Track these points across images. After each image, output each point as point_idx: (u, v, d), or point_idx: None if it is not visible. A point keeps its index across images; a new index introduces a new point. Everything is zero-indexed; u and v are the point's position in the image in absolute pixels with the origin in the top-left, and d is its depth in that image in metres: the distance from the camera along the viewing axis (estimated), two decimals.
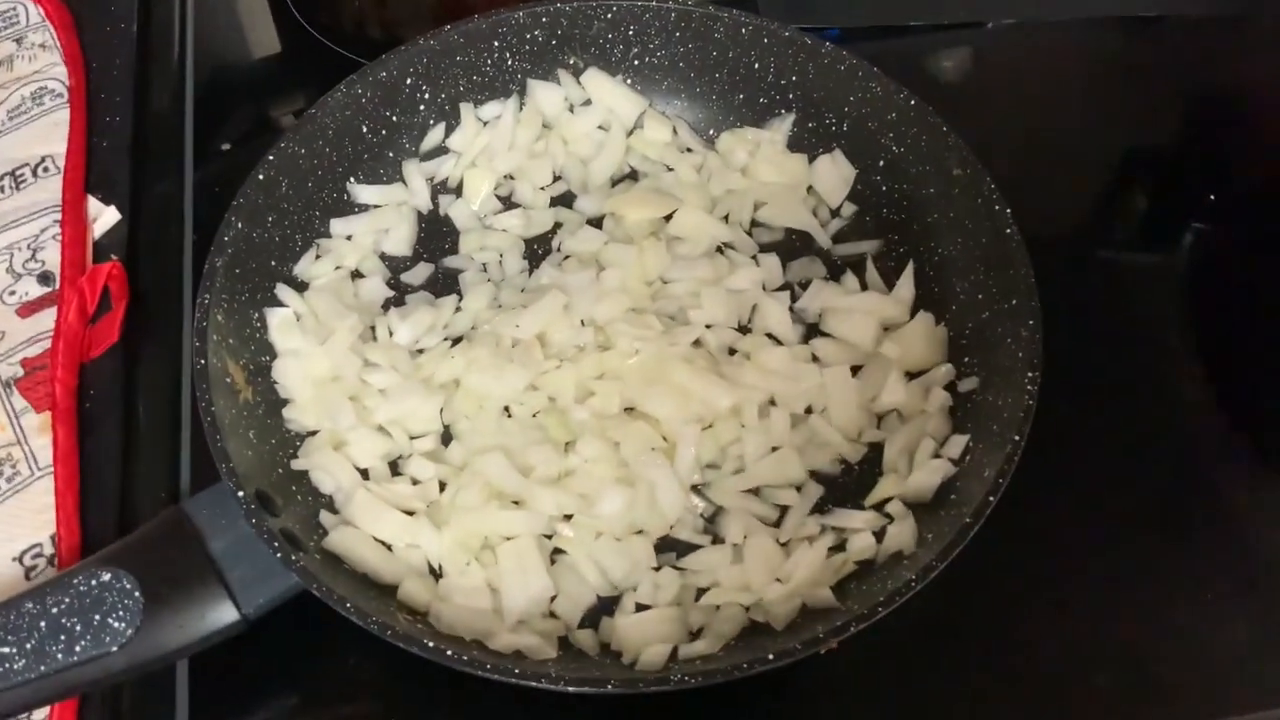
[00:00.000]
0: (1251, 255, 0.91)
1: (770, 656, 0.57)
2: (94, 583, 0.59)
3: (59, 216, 0.81)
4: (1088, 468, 0.74)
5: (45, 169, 0.84)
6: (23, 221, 0.81)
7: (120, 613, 0.58)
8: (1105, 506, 0.73)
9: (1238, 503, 0.76)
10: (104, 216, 0.82)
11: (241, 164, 0.86)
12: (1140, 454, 0.76)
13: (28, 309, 0.78)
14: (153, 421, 0.74)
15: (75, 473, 0.71)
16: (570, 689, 0.56)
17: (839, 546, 0.68)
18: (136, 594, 0.59)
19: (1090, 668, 0.68)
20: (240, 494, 0.61)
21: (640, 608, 0.66)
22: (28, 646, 0.57)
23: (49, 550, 0.69)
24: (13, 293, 0.78)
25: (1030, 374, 0.66)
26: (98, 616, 0.58)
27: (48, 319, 0.77)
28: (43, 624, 0.57)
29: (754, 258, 0.81)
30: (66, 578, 0.59)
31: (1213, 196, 0.92)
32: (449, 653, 0.57)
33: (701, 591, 0.67)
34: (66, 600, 0.58)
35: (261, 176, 0.72)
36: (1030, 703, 0.67)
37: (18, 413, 0.73)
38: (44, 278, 0.79)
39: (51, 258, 0.80)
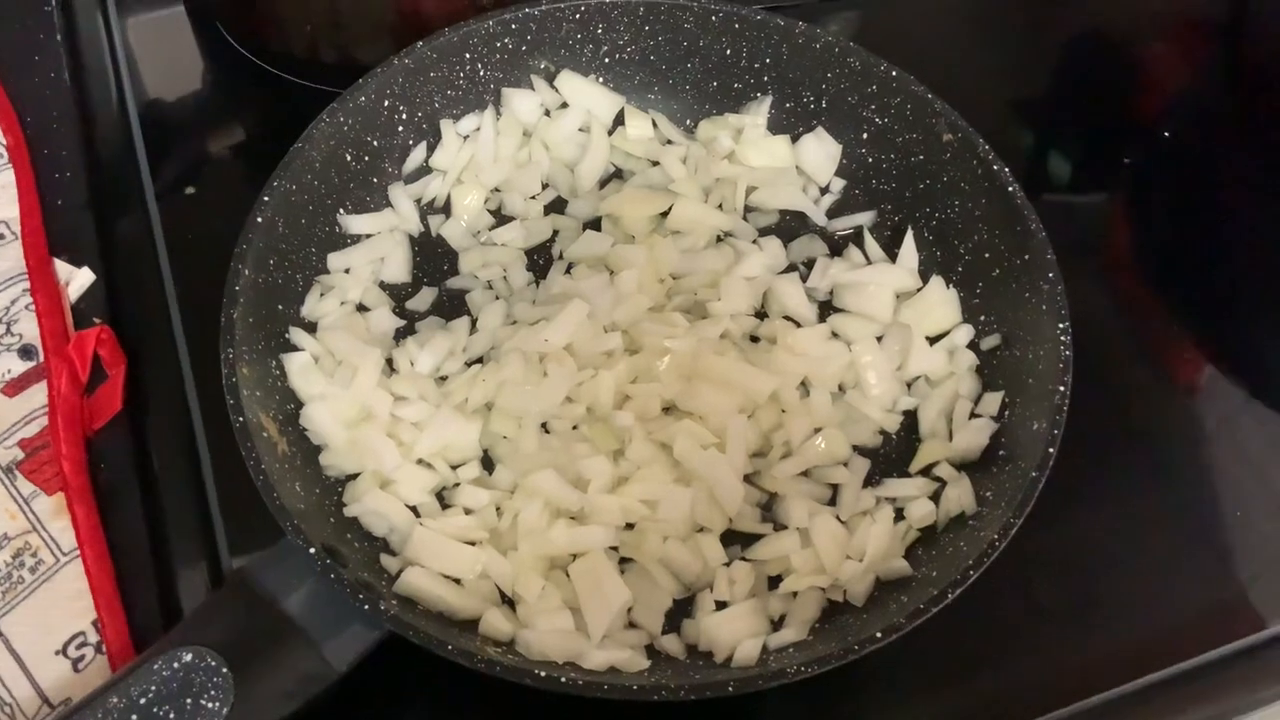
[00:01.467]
0: (1181, 180, 0.96)
1: (878, 635, 0.58)
2: (176, 665, 0.56)
3: (27, 285, 0.76)
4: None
5: (0, 236, 0.79)
6: None
7: (211, 692, 0.55)
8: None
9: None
10: (77, 279, 0.77)
11: (207, 204, 0.84)
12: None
13: (14, 387, 0.73)
14: (174, 487, 0.71)
15: (105, 552, 0.67)
16: (693, 697, 0.56)
17: (898, 516, 0.69)
18: (224, 670, 0.56)
19: None
20: (312, 550, 0.58)
21: (719, 605, 0.66)
22: None
23: (93, 637, 0.65)
24: None
25: (1060, 325, 0.69)
26: (189, 700, 0.55)
27: (38, 395, 0.72)
28: (134, 718, 0.54)
29: (756, 242, 0.81)
30: (145, 665, 0.56)
31: (1166, 134, 0.96)
32: (563, 680, 0.56)
33: (774, 580, 0.68)
34: (152, 689, 0.55)
35: (260, 219, 0.69)
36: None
37: (26, 498, 0.69)
38: (25, 351, 0.74)
39: (29, 329, 0.75)
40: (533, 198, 0.82)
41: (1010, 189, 0.73)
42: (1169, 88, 1.05)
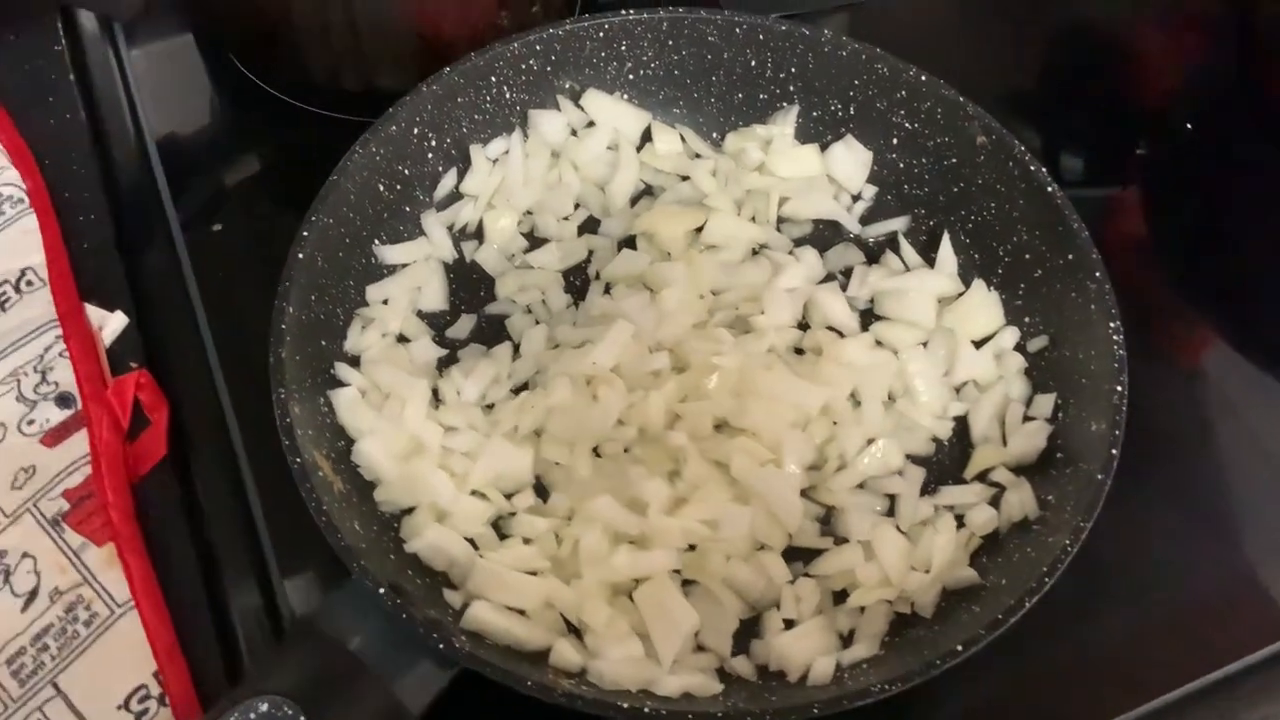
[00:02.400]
0: (1195, 169, 0.96)
1: (959, 648, 0.57)
2: (253, 716, 0.55)
3: (59, 332, 0.75)
4: None
5: (29, 283, 0.78)
6: (21, 344, 0.75)
7: None
8: None
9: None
10: (110, 323, 0.76)
11: (235, 241, 0.83)
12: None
13: (53, 437, 0.72)
14: (225, 531, 0.69)
15: (160, 601, 0.66)
16: None
17: (958, 523, 0.69)
18: (301, 717, 0.55)
19: None
20: (381, 591, 0.58)
21: (787, 623, 0.66)
22: None
23: (155, 690, 0.64)
24: (30, 421, 0.72)
25: (1111, 324, 0.68)
26: None
27: (80, 444, 0.71)
28: None
29: (792, 253, 0.80)
30: (223, 718, 0.55)
31: (1189, 125, 0.97)
32: (646, 710, 0.56)
33: (839, 595, 0.67)
34: None
35: (301, 255, 0.68)
36: None
37: (76, 550, 0.68)
38: (62, 400, 0.73)
39: (65, 377, 0.74)
40: (565, 219, 0.81)
41: (1050, 189, 0.73)
42: (1178, 73, 1.05)
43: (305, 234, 0.69)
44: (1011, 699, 0.67)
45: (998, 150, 0.76)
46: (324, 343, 0.71)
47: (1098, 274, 0.70)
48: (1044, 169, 0.74)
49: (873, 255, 0.81)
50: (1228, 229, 0.93)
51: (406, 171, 0.78)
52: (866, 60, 0.80)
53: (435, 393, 0.73)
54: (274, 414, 0.63)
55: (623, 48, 0.82)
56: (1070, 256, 0.72)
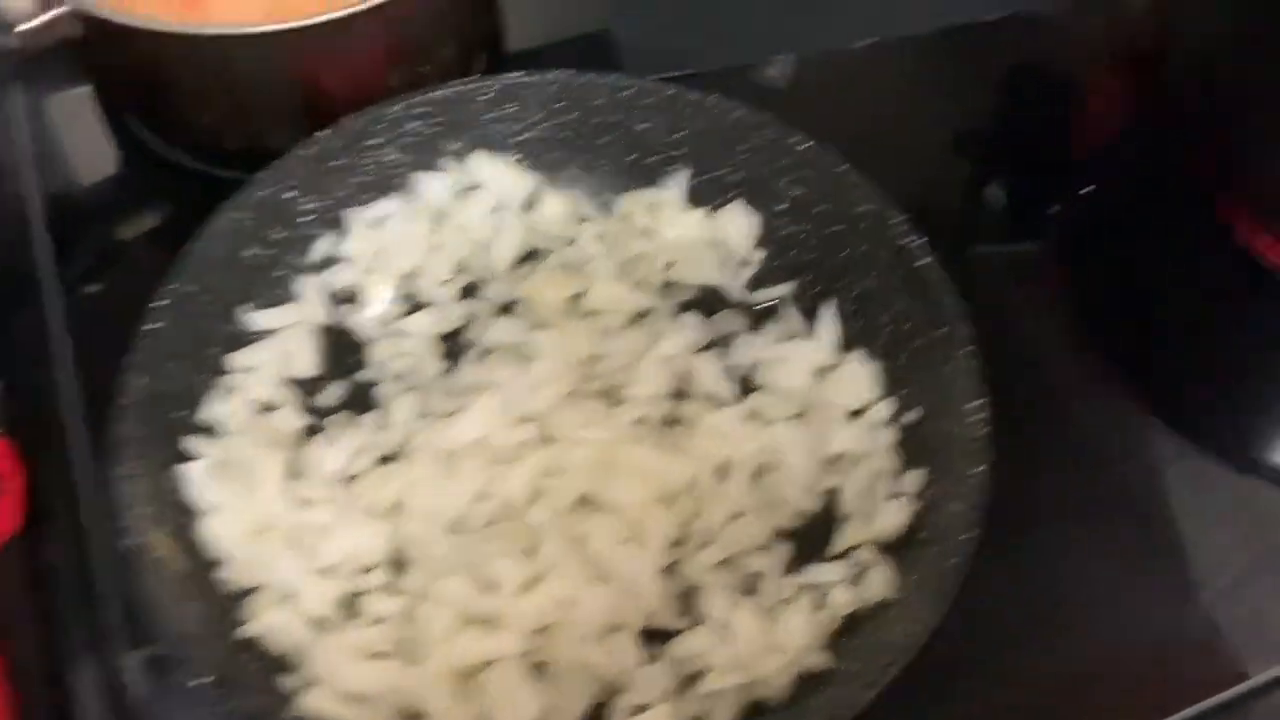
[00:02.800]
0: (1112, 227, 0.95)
1: None
2: None
3: None
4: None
5: None
6: None
7: None
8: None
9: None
10: None
11: (114, 305, 0.82)
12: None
13: None
14: (73, 608, 0.68)
15: (3, 685, 0.65)
16: None
17: (818, 603, 0.67)
18: None
19: None
20: (203, 681, 0.56)
21: (636, 709, 0.64)
22: None
23: None
24: None
25: (975, 402, 0.67)
26: None
27: None
28: None
29: (675, 319, 0.79)
30: None
31: (1092, 187, 0.96)
32: None
33: (694, 678, 0.66)
34: None
35: (152, 325, 0.68)
36: None
37: None
38: None
39: None
40: (445, 283, 0.80)
41: (922, 263, 0.72)
42: (1095, 132, 1.04)
43: (159, 304, 0.68)
44: None
45: (878, 220, 0.75)
46: (178, 413, 0.70)
47: (966, 350, 0.69)
48: (921, 240, 0.73)
49: (757, 322, 0.80)
50: (1140, 293, 0.92)
51: (278, 236, 0.77)
52: (754, 126, 0.79)
53: (296, 464, 0.71)
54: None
55: (511, 110, 0.82)
56: (944, 329, 0.71)
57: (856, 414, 0.74)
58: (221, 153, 0.86)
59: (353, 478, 0.71)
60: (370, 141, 0.79)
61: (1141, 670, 0.71)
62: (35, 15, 0.76)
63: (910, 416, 0.73)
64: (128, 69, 0.83)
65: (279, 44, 0.76)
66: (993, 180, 0.98)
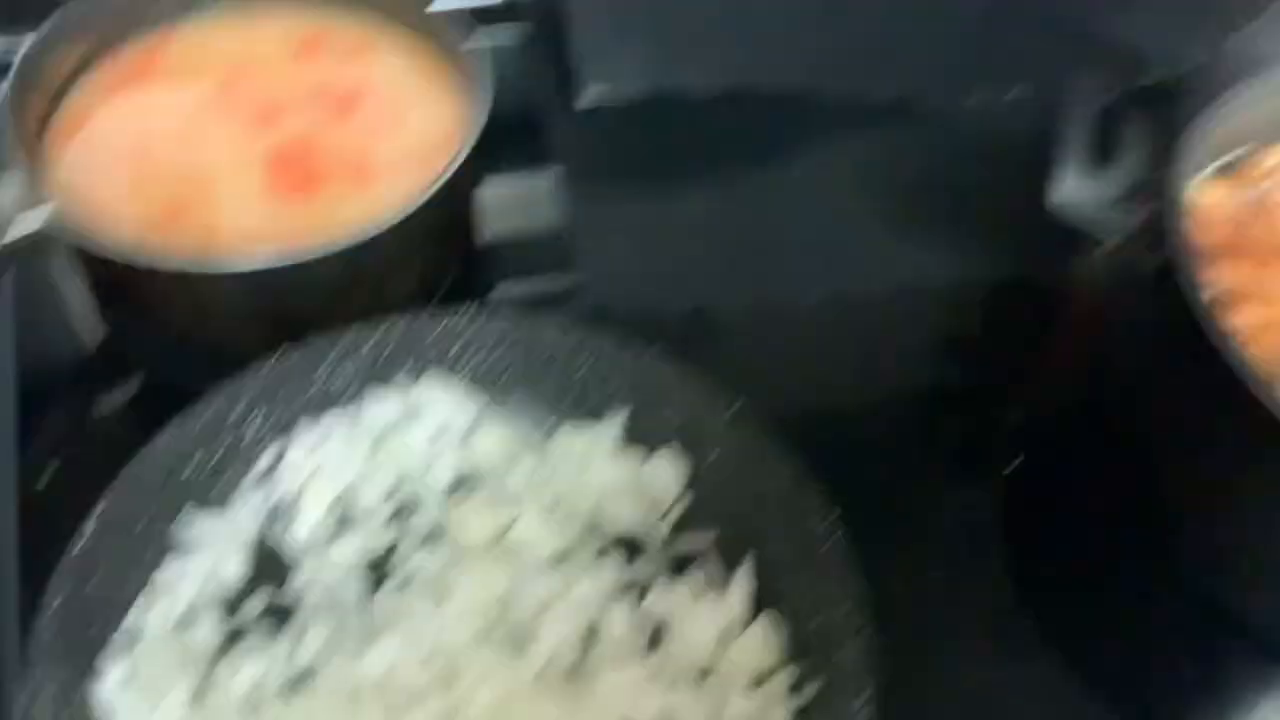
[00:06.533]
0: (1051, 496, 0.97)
1: None
2: None
3: None
4: None
5: None
6: None
7: None
8: None
9: None
10: None
11: (68, 489, 0.84)
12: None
13: None
14: None
15: None
16: None
17: None
18: None
19: None
20: None
21: None
22: None
23: None
24: None
25: (864, 692, 0.69)
26: None
27: None
28: None
29: (597, 561, 0.82)
30: None
31: (1022, 457, 0.99)
32: None
33: None
34: None
35: (84, 540, 0.70)
36: None
37: None
38: None
39: None
40: (378, 506, 0.83)
41: (830, 542, 0.75)
42: (1032, 401, 1.07)
43: (97, 512, 0.71)
44: None
45: (791, 492, 0.78)
46: (98, 628, 0.72)
47: (863, 633, 0.71)
48: (830, 518, 0.76)
49: (679, 567, 0.82)
50: (1082, 565, 0.93)
51: (221, 450, 0.80)
52: (692, 381, 0.83)
53: (208, 681, 0.73)
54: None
55: (460, 343, 0.86)
56: (845, 609, 0.73)
57: (760, 681, 0.76)
58: (183, 358, 0.90)
59: (261, 699, 0.73)
60: (324, 362, 0.83)
61: None
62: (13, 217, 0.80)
63: (811, 688, 0.75)
64: (99, 282, 0.88)
65: (247, 280, 0.80)
66: (928, 443, 1.00)
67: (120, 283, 0.86)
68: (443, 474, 0.84)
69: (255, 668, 0.73)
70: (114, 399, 0.94)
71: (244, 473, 0.82)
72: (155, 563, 0.77)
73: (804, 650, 0.76)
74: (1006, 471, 0.98)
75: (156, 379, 0.93)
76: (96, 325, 0.96)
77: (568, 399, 0.87)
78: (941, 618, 0.84)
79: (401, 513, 0.84)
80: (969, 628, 0.86)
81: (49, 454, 0.87)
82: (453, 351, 0.86)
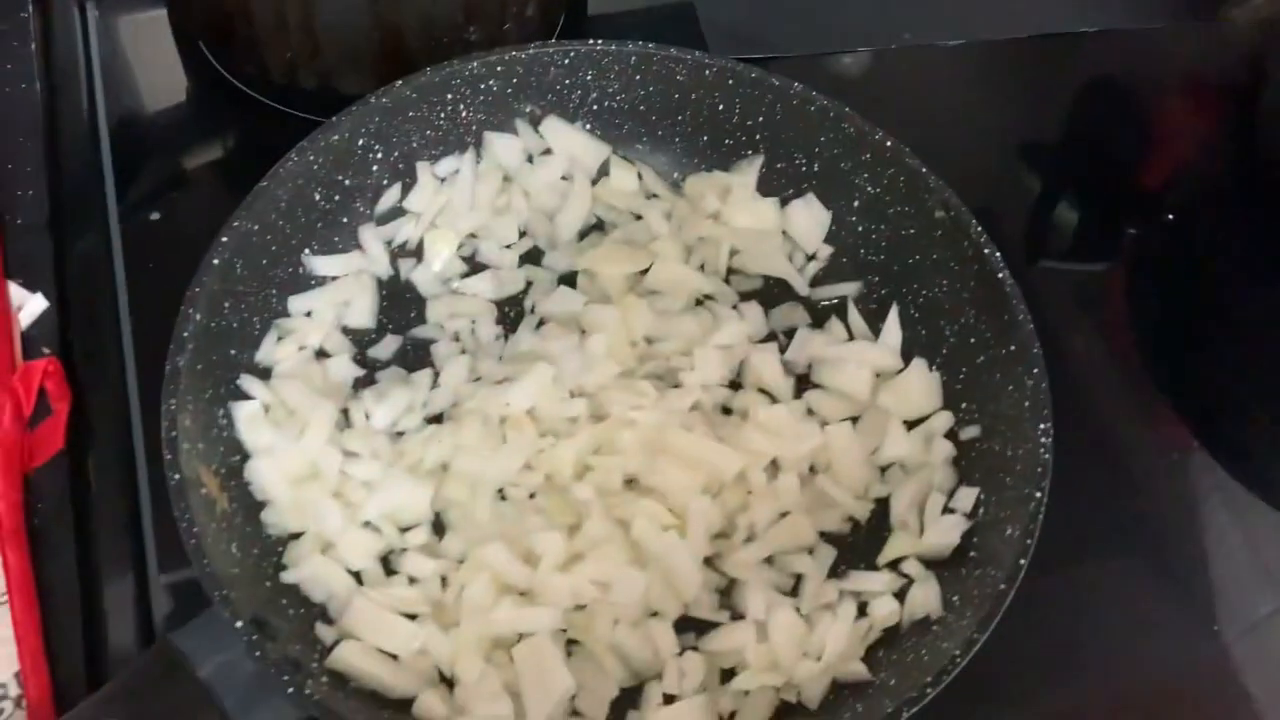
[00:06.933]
0: (1185, 256, 0.93)
1: None
2: None
3: None
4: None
5: None
6: None
7: None
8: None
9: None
10: (30, 305, 0.74)
11: (172, 233, 0.81)
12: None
13: None
14: (111, 535, 0.68)
15: (34, 601, 0.64)
16: None
17: (860, 611, 0.67)
18: None
19: None
20: (238, 624, 0.56)
21: (668, 698, 0.63)
22: None
23: (14, 690, 0.62)
24: None
25: (1041, 425, 0.66)
26: None
27: None
28: None
29: (736, 308, 0.78)
30: None
31: (1170, 216, 0.94)
32: None
33: (727, 673, 0.65)
34: None
35: (216, 261, 0.67)
36: None
37: None
38: None
39: None
40: (508, 247, 0.79)
41: (1000, 275, 0.70)
42: (1179, 158, 1.02)
43: (224, 239, 0.67)
44: None
45: (955, 228, 0.73)
46: (233, 352, 0.69)
47: (1035, 370, 0.68)
48: (998, 254, 0.71)
49: (819, 319, 0.79)
50: (1208, 322, 0.91)
51: (347, 182, 0.76)
52: (834, 118, 0.78)
53: (346, 414, 0.71)
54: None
55: (588, 77, 0.80)
56: (1012, 347, 0.70)
57: (914, 424, 0.73)
58: (293, 92, 0.85)
59: (400, 434, 0.71)
60: (445, 96, 0.78)
61: (1156, 708, 0.70)
62: None
63: (969, 432, 0.72)
64: (209, 17, 0.82)
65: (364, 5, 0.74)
66: (1065, 196, 0.96)
67: (226, 3, 0.80)
68: (574, 217, 0.80)
69: (394, 403, 0.71)
70: (207, 154, 0.89)
71: (368, 209, 0.78)
72: (283, 294, 0.73)
73: (963, 393, 0.73)
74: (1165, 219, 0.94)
75: (253, 137, 0.88)
76: (189, 76, 0.91)
77: (702, 140, 0.82)
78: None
79: (532, 255, 0.80)
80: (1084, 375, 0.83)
81: (148, 206, 0.83)
82: (579, 88, 0.80)
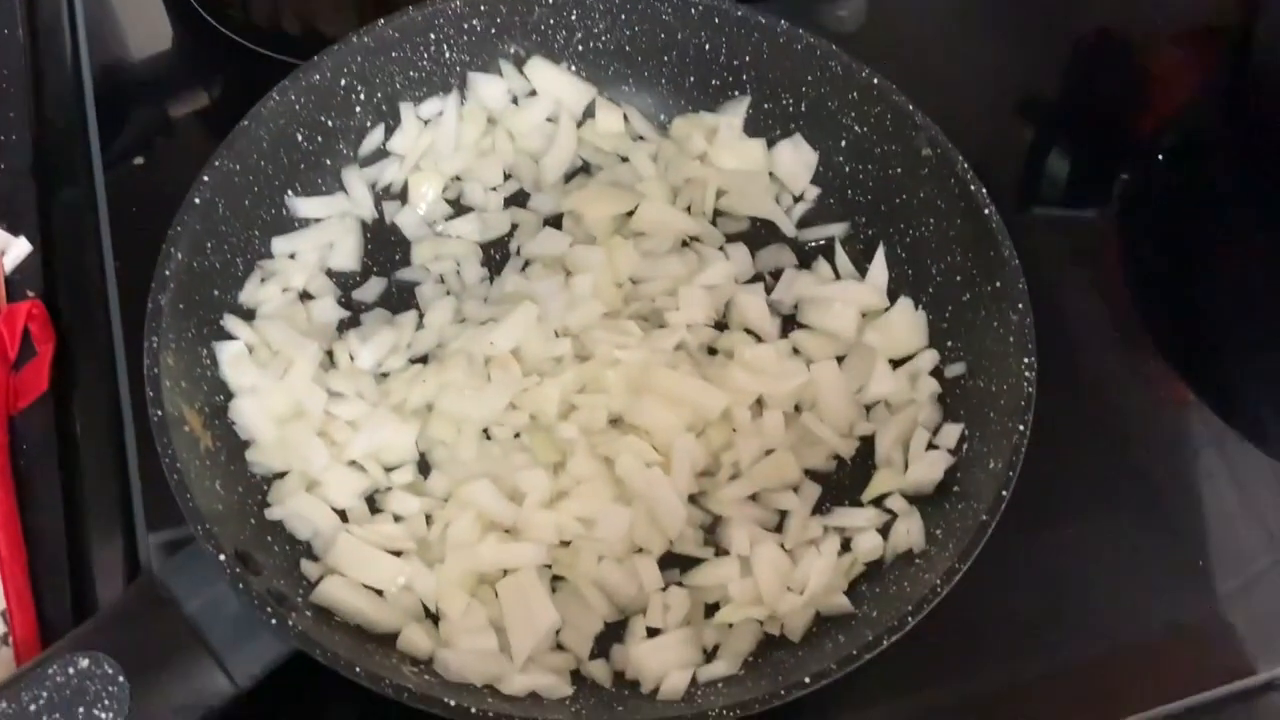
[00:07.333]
0: (1178, 201, 0.93)
1: (807, 680, 0.56)
2: (71, 671, 0.53)
3: None
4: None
5: None
6: None
7: (105, 701, 0.53)
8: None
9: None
10: (13, 248, 0.74)
11: (155, 178, 0.81)
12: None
13: None
14: (96, 475, 0.68)
15: (19, 539, 0.65)
16: None
17: (844, 547, 0.67)
18: (120, 678, 0.54)
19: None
20: (222, 558, 0.56)
21: (651, 632, 0.64)
22: None
23: (0, 628, 0.62)
24: None
25: (1025, 359, 0.66)
26: (81, 709, 0.53)
27: None
28: None
29: (722, 249, 0.78)
30: (40, 668, 0.54)
31: (1160, 158, 0.93)
32: (474, 710, 0.54)
33: (711, 608, 0.65)
34: (44, 695, 0.53)
35: (198, 200, 0.66)
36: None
37: None
38: None
39: None
40: (493, 189, 0.79)
41: (986, 211, 0.70)
42: (1173, 102, 1.01)
43: (205, 179, 0.67)
44: (963, 715, 0.66)
45: (941, 165, 0.73)
46: (216, 292, 0.69)
47: (1020, 305, 0.67)
48: (984, 191, 0.71)
49: (806, 259, 0.79)
50: (1201, 266, 0.90)
51: (330, 123, 0.75)
52: (821, 56, 0.77)
53: (330, 355, 0.71)
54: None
55: (572, 17, 0.79)
56: (998, 284, 0.69)
57: (899, 362, 0.73)
58: (277, 37, 0.84)
59: (385, 375, 0.71)
60: (428, 36, 0.77)
61: (1147, 660, 0.70)
62: None
63: (954, 369, 0.72)
64: None
65: None
66: (1057, 143, 0.95)
67: None
68: (559, 158, 0.80)
69: (379, 344, 0.70)
70: (191, 101, 0.88)
71: (351, 151, 0.77)
72: (267, 236, 0.73)
73: (949, 331, 0.73)
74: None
75: (237, 83, 0.87)
76: (172, 23, 0.90)
77: (688, 81, 0.81)
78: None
79: (517, 197, 0.79)
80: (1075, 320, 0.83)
81: (132, 152, 0.82)
82: (564, 28, 0.80)
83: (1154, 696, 0.67)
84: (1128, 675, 0.69)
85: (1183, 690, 0.68)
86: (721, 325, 0.75)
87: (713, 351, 0.73)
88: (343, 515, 0.65)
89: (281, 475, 0.66)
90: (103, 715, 0.53)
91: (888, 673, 0.61)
